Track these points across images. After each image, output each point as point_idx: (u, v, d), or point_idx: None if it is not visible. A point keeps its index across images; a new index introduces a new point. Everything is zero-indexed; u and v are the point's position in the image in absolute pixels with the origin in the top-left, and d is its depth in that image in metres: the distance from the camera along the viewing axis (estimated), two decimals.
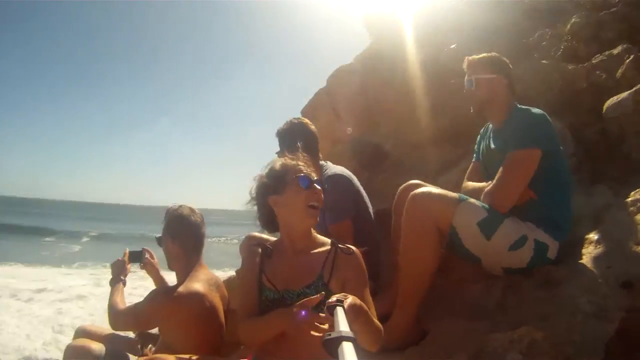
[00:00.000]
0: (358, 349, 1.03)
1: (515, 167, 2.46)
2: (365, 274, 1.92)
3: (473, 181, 2.88)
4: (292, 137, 3.08)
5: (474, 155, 3.06)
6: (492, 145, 2.76)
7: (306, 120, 3.25)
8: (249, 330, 1.88)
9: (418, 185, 2.77)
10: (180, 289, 2.37)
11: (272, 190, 1.93)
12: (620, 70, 3.96)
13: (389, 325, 2.43)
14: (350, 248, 1.91)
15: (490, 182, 2.57)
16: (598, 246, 2.60)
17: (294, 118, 3.26)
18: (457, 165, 4.01)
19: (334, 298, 1.46)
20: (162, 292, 2.50)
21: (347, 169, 4.52)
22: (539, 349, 2.08)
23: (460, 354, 2.15)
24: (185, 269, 2.51)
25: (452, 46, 5.20)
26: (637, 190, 2.90)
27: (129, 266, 2.89)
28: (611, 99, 3.55)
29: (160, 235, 2.64)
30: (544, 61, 4.46)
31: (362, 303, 1.59)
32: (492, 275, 2.69)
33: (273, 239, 2.17)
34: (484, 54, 2.86)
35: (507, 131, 2.63)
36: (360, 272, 1.90)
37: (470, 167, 3.05)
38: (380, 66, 5.18)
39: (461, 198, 2.47)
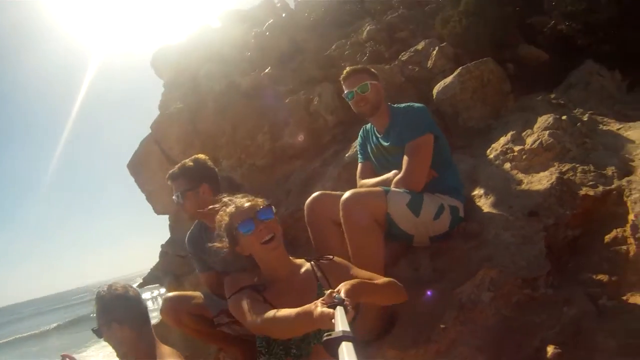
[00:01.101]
0: (358, 349, 1.14)
1: (419, 152, 3.07)
2: (346, 264, 2.32)
3: (367, 178, 3.43)
4: (200, 177, 3.29)
5: (360, 156, 3.59)
6: (385, 143, 3.34)
7: (209, 160, 3.46)
8: (276, 331, 2.03)
9: (325, 195, 3.20)
10: None
11: (233, 244, 2.26)
12: (430, 62, 5.13)
13: (361, 320, 2.71)
14: (326, 256, 2.34)
15: (394, 171, 3.15)
16: (488, 197, 3.39)
17: (198, 156, 3.42)
18: (321, 174, 4.52)
19: (328, 291, 1.71)
20: None
21: None
22: (501, 282, 2.65)
23: (448, 312, 2.58)
24: (146, 351, 2.45)
25: (267, 70, 5.84)
26: (492, 147, 3.90)
27: None
28: (438, 84, 4.60)
29: (97, 326, 2.52)
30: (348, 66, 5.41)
31: (355, 281, 1.88)
32: (408, 250, 3.24)
33: None
34: (359, 65, 3.53)
35: (397, 126, 3.25)
36: (346, 265, 2.30)
37: (359, 167, 3.56)
38: (206, 102, 5.43)
39: (385, 190, 2.96)
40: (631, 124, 3.73)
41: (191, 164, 3.31)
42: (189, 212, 3.32)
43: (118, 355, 2.57)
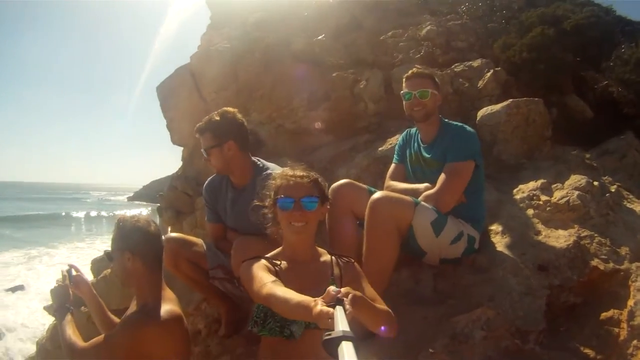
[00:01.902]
0: (358, 349, 1.15)
1: (458, 175, 3.13)
2: (361, 273, 2.33)
3: (397, 181, 3.48)
4: (227, 132, 3.22)
5: (395, 157, 3.64)
6: (426, 155, 3.37)
7: (238, 114, 3.35)
8: (275, 308, 2.03)
9: (352, 185, 3.26)
10: (162, 312, 2.35)
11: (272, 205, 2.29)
12: (481, 82, 5.14)
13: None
14: (348, 257, 2.35)
15: (426, 185, 3.21)
16: (504, 236, 3.49)
17: (226, 110, 3.32)
18: (348, 158, 4.57)
19: (333, 288, 1.69)
20: (141, 318, 2.36)
21: None
22: (495, 324, 2.75)
23: (441, 338, 2.69)
24: (151, 288, 2.46)
25: (321, 37, 5.79)
26: (519, 188, 3.97)
27: (72, 289, 2.73)
28: (484, 109, 4.62)
29: (110, 249, 2.55)
30: (417, 66, 5.38)
31: (361, 295, 1.88)
32: (413, 262, 3.33)
33: None
34: (427, 70, 3.52)
35: (443, 143, 3.28)
36: (361, 274, 2.31)
37: (392, 167, 3.61)
38: (253, 51, 5.37)
39: (415, 202, 3.03)
40: None
41: (218, 118, 3.24)
42: (215, 168, 3.34)
43: (120, 282, 2.61)
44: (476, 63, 5.33)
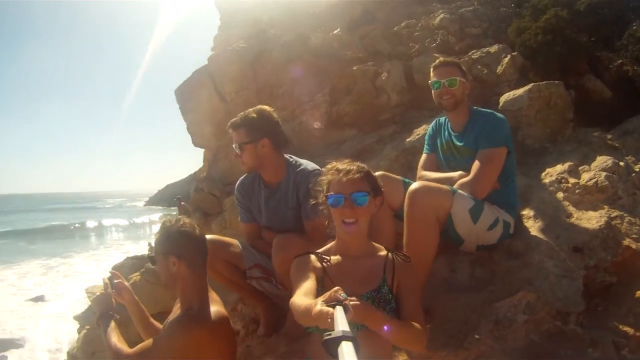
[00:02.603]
0: (358, 349, 1.16)
1: (492, 162, 3.22)
2: (418, 282, 2.34)
3: (430, 170, 3.57)
4: (262, 130, 3.26)
5: (426, 147, 3.73)
6: (459, 143, 3.46)
7: (274, 113, 3.40)
8: (295, 307, 2.05)
9: (386, 177, 3.26)
10: (212, 314, 2.41)
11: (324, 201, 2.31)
12: (500, 68, 5.22)
13: None
14: (407, 256, 2.33)
15: (460, 172, 3.30)
16: (537, 221, 3.59)
17: (263, 108, 3.37)
18: (376, 151, 4.68)
19: (333, 289, 1.72)
20: (190, 321, 2.38)
21: None
22: (536, 308, 2.87)
23: (485, 324, 2.81)
24: (196, 291, 2.49)
25: (337, 31, 5.87)
26: (547, 172, 4.07)
27: (114, 297, 2.76)
28: (507, 94, 4.71)
29: (154, 253, 2.57)
30: (435, 55, 5.46)
31: (368, 306, 1.87)
32: (449, 250, 3.44)
33: None
34: (453, 59, 3.58)
35: (474, 130, 3.36)
36: (415, 280, 2.31)
37: (424, 157, 3.70)
38: (271, 49, 5.46)
39: (453, 190, 3.12)
40: None
41: (254, 115, 3.27)
42: (246, 164, 3.32)
43: (163, 285, 2.63)
44: (493, 49, 5.40)
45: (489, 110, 3.48)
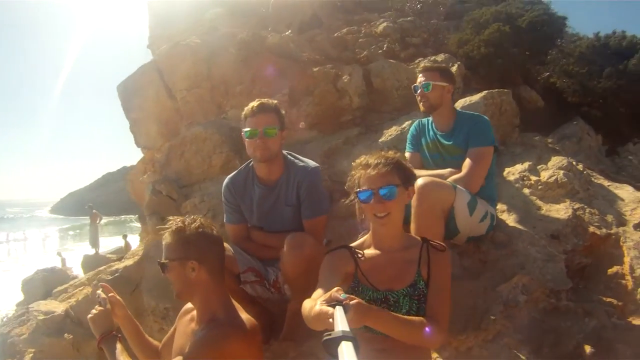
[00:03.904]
0: (358, 349, 1.20)
1: (483, 159, 3.60)
2: (450, 275, 2.37)
3: (415, 168, 3.91)
4: (283, 121, 3.39)
5: (410, 147, 4.03)
6: (446, 142, 3.80)
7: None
8: (304, 311, 2.09)
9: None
10: (246, 323, 2.30)
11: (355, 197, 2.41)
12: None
13: None
14: (442, 244, 2.39)
15: (450, 169, 3.64)
16: (511, 214, 4.08)
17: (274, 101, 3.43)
18: (345, 151, 4.93)
19: (334, 289, 1.78)
20: (227, 331, 2.22)
21: (216, 154, 4.87)
22: (532, 288, 3.28)
23: (495, 306, 3.17)
24: (219, 298, 2.34)
25: (288, 32, 6.09)
26: (508, 171, 4.61)
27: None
28: (463, 99, 5.20)
29: (165, 259, 2.33)
30: (391, 60, 5.89)
31: (369, 305, 1.90)
32: None
33: None
34: (436, 64, 3.96)
35: (463, 130, 3.74)
36: (447, 272, 2.36)
37: (408, 156, 3.96)
38: (227, 46, 5.52)
39: (453, 185, 3.47)
40: (617, 184, 4.65)
41: (274, 103, 3.39)
42: (266, 152, 3.27)
43: (176, 294, 2.39)
44: (440, 57, 5.94)
45: (475, 113, 3.91)
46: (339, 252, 2.42)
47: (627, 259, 3.64)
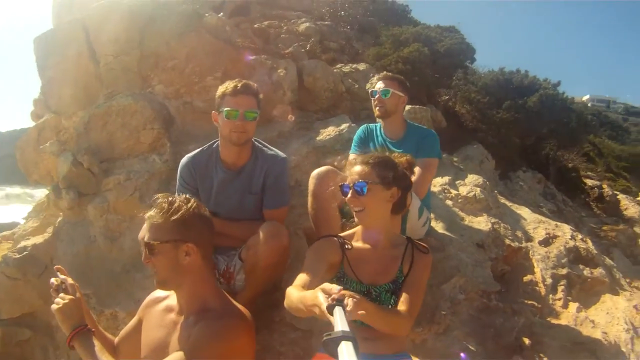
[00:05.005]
0: (357, 348, 1.24)
1: (430, 169, 3.94)
2: (427, 277, 2.53)
3: None
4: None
5: (356, 149, 4.22)
6: (395, 149, 3.98)
7: None
8: (288, 298, 2.18)
9: (333, 172, 3.62)
10: (245, 312, 2.23)
11: None
12: (369, 85, 6.17)
13: None
14: (426, 247, 2.53)
15: None
16: (438, 222, 4.54)
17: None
18: (280, 145, 5.00)
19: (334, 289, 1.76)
20: (232, 322, 2.13)
21: (146, 130, 4.74)
22: (468, 289, 3.73)
23: (443, 302, 3.54)
24: (208, 284, 2.23)
25: (220, 15, 6.03)
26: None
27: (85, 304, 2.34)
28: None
29: (155, 241, 2.11)
30: (322, 60, 6.11)
31: (365, 301, 1.90)
32: None
33: None
34: (395, 75, 4.31)
35: (413, 140, 4.03)
36: (426, 272, 2.50)
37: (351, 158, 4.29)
38: (168, 15, 5.31)
39: None
40: (517, 205, 5.40)
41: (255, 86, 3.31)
42: (244, 136, 3.22)
43: (160, 280, 2.19)
44: (361, 67, 6.34)
45: (424, 126, 4.30)
46: (328, 240, 2.51)
47: (537, 270, 4.28)
